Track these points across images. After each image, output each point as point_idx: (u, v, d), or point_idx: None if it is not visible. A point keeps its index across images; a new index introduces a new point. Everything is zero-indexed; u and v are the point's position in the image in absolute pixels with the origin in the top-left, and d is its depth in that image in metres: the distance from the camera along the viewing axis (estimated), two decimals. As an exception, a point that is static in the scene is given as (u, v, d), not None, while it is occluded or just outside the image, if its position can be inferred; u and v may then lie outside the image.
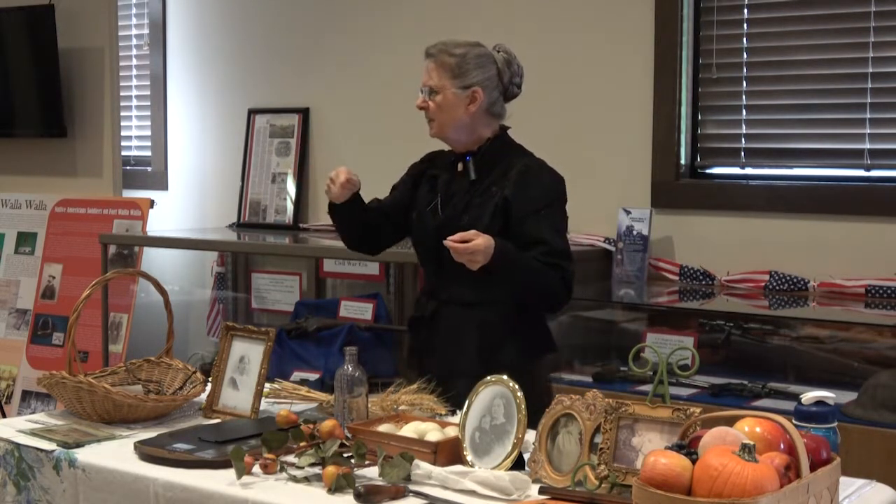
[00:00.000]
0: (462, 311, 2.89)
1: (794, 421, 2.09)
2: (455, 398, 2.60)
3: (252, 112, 5.18)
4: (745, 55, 3.96)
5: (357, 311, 4.59)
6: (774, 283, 3.77)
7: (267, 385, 2.74)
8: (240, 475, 2.15)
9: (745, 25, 3.96)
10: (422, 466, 2.14)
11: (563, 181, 2.92)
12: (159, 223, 5.32)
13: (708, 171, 4.09)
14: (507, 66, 2.93)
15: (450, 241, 2.68)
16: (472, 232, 2.68)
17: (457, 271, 2.82)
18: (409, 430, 2.34)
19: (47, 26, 5.13)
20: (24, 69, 5.32)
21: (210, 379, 2.76)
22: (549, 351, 3.02)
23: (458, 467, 2.16)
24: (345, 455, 2.21)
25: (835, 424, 2.16)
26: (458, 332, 2.88)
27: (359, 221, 3.05)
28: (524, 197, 2.82)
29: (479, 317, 2.86)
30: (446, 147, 3.02)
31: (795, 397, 2.30)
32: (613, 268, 4.07)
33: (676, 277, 3.99)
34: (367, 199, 3.05)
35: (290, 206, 5.01)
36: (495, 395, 2.27)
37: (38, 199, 5.37)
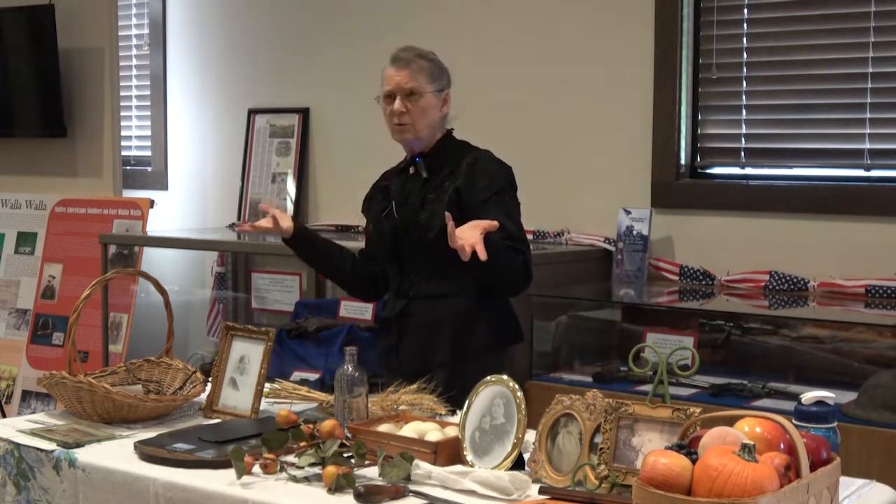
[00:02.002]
0: (431, 304, 2.94)
1: (794, 421, 2.10)
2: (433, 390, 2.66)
3: (252, 112, 5.18)
4: (745, 55, 3.96)
5: (357, 311, 4.58)
6: (774, 283, 3.77)
7: (267, 385, 2.74)
8: (240, 475, 2.15)
9: (745, 25, 3.96)
10: (422, 466, 2.14)
11: (510, 170, 2.99)
12: (159, 223, 5.32)
13: (708, 171, 4.09)
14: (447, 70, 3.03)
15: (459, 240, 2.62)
16: (472, 228, 2.65)
17: (419, 267, 2.93)
18: (409, 430, 2.34)
19: (47, 26, 5.13)
20: (24, 69, 5.33)
21: (210, 379, 2.76)
22: (516, 339, 3.06)
23: (458, 467, 2.16)
24: (345, 455, 2.21)
25: (835, 424, 2.16)
26: (429, 325, 2.94)
27: (334, 259, 3.12)
28: (474, 186, 2.88)
29: (448, 308, 2.93)
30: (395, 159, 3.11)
31: (795, 397, 2.29)
32: (613, 268, 4.07)
33: (676, 277, 3.99)
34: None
35: (290, 206, 5.01)
36: (495, 395, 2.27)
37: (38, 199, 5.37)
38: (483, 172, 2.92)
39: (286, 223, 3.01)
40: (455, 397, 2.57)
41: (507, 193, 2.93)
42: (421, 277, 2.96)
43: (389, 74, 2.98)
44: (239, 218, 5.16)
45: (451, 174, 2.94)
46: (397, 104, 2.94)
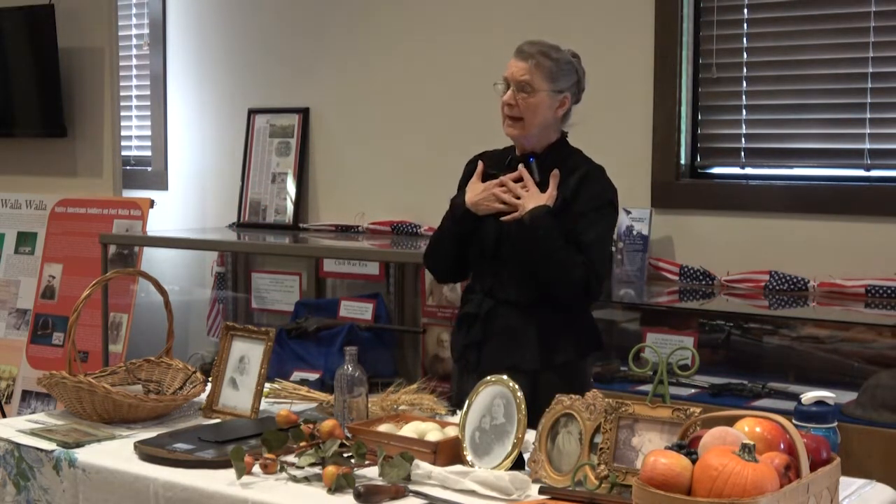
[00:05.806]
0: (520, 309, 2.89)
1: (794, 421, 2.10)
2: None
3: (252, 112, 5.18)
4: (745, 55, 3.96)
5: (357, 311, 4.59)
6: (774, 283, 3.77)
7: (267, 385, 2.74)
8: (240, 475, 2.15)
9: (745, 25, 3.95)
10: (422, 466, 2.14)
11: (615, 191, 2.96)
12: (159, 223, 5.32)
13: (708, 171, 4.09)
14: (583, 75, 2.96)
15: (507, 179, 2.84)
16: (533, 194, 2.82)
17: (516, 272, 2.87)
18: (409, 430, 2.35)
19: (47, 26, 5.13)
20: (24, 69, 5.32)
21: (210, 379, 2.76)
22: (598, 347, 3.05)
23: (458, 467, 2.16)
24: (345, 455, 2.21)
25: (835, 424, 2.16)
26: (516, 329, 2.89)
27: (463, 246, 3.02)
28: (578, 197, 2.85)
29: (537, 316, 2.88)
30: (484, 146, 3.06)
31: (795, 397, 2.30)
32: (613, 268, 4.06)
33: (676, 277, 3.98)
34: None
35: (290, 206, 5.01)
36: (495, 395, 2.27)
37: (38, 199, 5.37)
38: (590, 186, 2.88)
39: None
40: (532, 404, 2.40)
41: (604, 212, 2.90)
42: (515, 282, 2.89)
43: (510, 63, 2.90)
44: (239, 218, 5.16)
45: (561, 182, 2.87)
46: (508, 95, 2.87)
